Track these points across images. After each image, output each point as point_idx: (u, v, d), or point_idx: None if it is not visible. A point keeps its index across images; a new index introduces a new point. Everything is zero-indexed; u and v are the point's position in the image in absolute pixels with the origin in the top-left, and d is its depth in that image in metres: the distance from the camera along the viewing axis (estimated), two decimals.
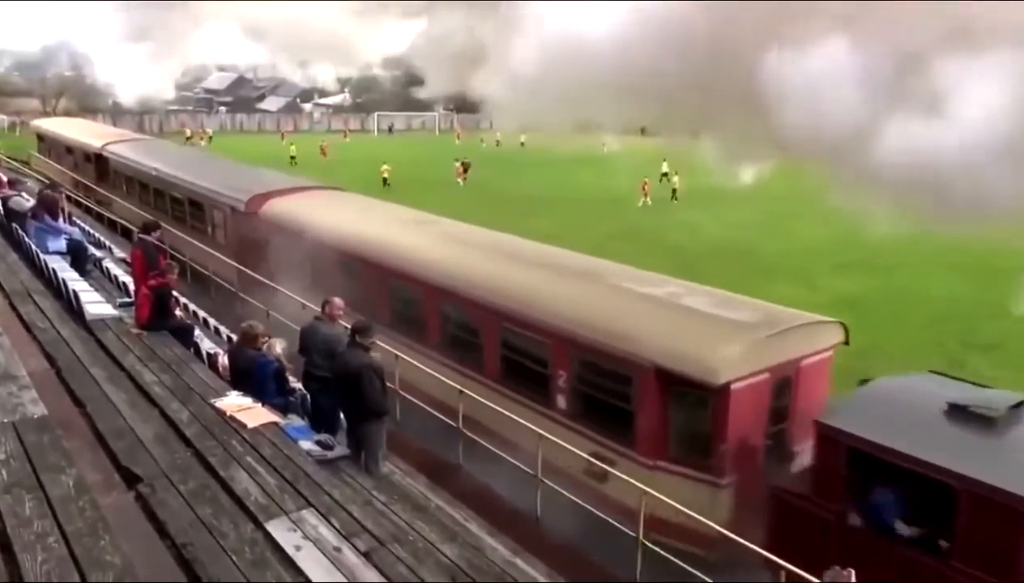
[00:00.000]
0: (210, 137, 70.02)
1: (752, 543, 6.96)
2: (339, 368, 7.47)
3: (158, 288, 9.29)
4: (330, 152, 58.27)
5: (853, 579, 5.19)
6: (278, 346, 8.45)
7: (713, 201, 38.04)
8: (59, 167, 31.58)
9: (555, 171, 51.49)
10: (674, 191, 39.48)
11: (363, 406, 7.35)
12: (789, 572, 6.35)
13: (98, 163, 27.61)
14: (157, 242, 10.67)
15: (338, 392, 7.67)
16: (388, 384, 8.17)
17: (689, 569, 7.38)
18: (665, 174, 44.25)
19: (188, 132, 71.96)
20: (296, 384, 8.70)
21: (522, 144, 66.79)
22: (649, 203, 38.67)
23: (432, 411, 10.46)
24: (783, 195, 42.44)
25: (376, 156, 51.20)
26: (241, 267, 16.03)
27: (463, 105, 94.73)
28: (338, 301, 8.74)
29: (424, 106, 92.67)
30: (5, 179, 17.91)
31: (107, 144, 27.55)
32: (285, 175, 22.74)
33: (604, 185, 42.83)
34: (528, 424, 9.14)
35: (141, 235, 10.69)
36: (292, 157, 51.28)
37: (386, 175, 43.09)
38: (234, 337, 10.47)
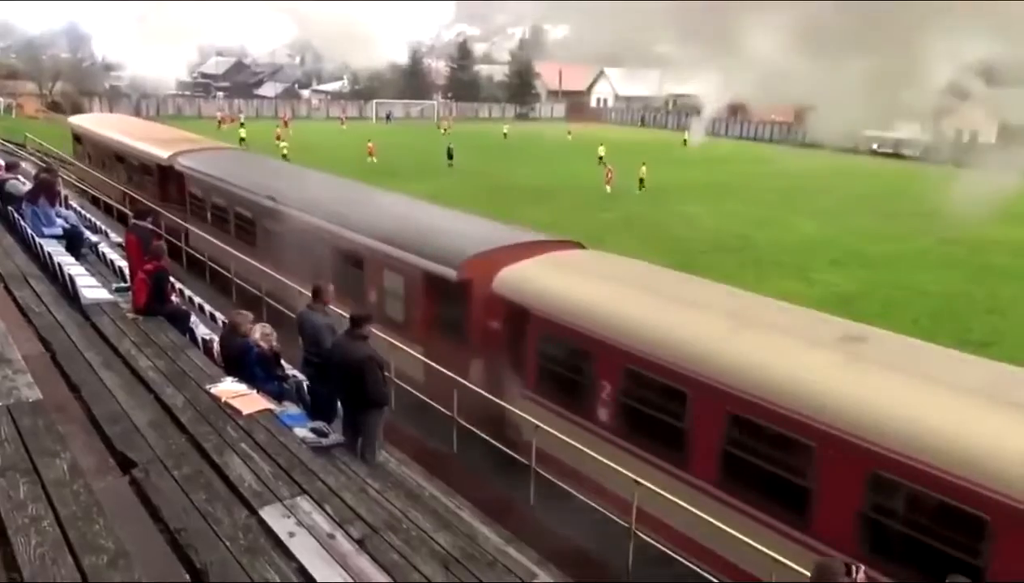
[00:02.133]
0: (241, 124, 65.98)
1: None
2: (341, 358, 7.46)
3: (154, 272, 9.27)
4: (303, 139, 57.98)
5: (862, 577, 5.15)
6: (257, 331, 8.45)
7: (681, 193, 38.44)
8: (105, 178, 24.65)
9: (536, 159, 51.88)
10: (641, 181, 40.08)
11: (365, 396, 7.37)
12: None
13: (164, 178, 21.00)
14: (152, 227, 10.66)
15: (338, 381, 7.68)
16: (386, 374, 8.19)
17: (680, 558, 7.42)
18: (601, 158, 48.04)
19: (219, 116, 69.80)
20: (292, 371, 8.71)
21: (505, 135, 66.51)
22: (609, 190, 39.14)
23: None
24: (774, 189, 42.68)
25: (342, 142, 50.95)
26: (442, 370, 10.27)
27: (462, 93, 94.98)
28: (330, 287, 8.79)
29: (423, 94, 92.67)
30: (2, 162, 17.84)
31: (177, 154, 20.81)
32: (496, 222, 14.63)
33: (588, 173, 42.91)
34: None
35: (135, 220, 10.66)
36: (242, 139, 50.73)
37: (285, 151, 45.26)
38: None
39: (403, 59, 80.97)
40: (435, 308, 11.76)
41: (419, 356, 10.99)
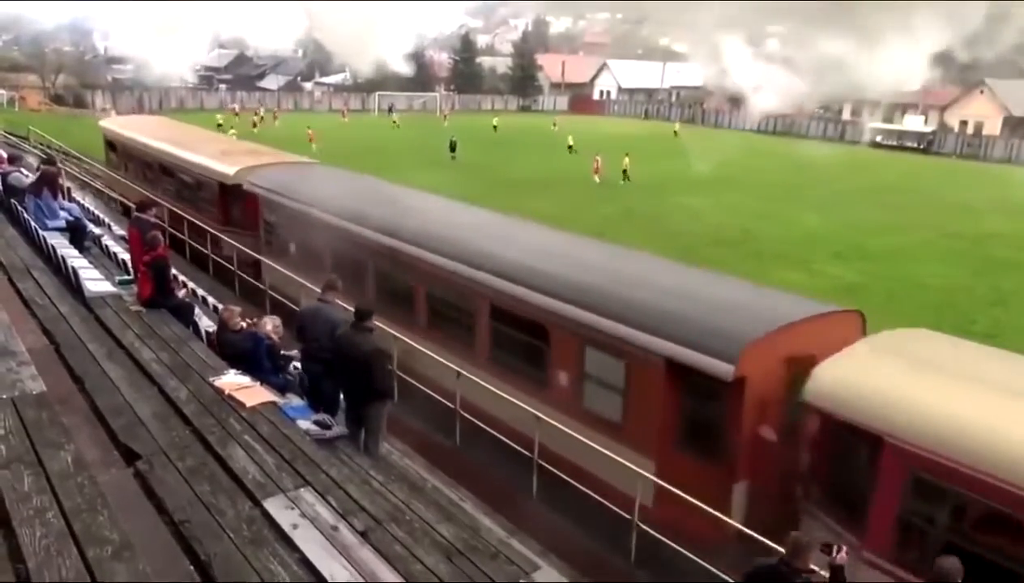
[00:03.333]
0: (261, 118, 64.82)
1: None
2: (348, 351, 7.46)
3: (153, 262, 9.30)
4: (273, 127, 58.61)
5: (843, 556, 5.32)
6: (268, 323, 8.48)
7: (681, 186, 38.42)
8: (149, 194, 17.92)
9: (527, 150, 51.87)
10: (624, 172, 40.49)
11: (371, 388, 7.39)
12: None
13: (227, 199, 17.52)
14: (154, 219, 10.65)
15: (343, 374, 7.70)
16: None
17: (682, 550, 7.44)
18: (570, 147, 51.12)
19: (236, 109, 68.31)
20: (295, 364, 8.73)
21: (495, 128, 65.33)
22: (597, 181, 39.82)
23: None
24: (776, 182, 42.60)
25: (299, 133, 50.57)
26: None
27: (464, 86, 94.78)
28: (339, 283, 8.77)
29: (426, 86, 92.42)
30: (4, 155, 17.84)
31: (246, 170, 17.14)
32: (741, 281, 11.08)
33: (577, 165, 42.96)
34: None
35: (137, 214, 10.66)
36: (219, 124, 51.41)
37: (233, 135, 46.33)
38: None
39: (407, 71, 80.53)
40: (678, 409, 8.47)
41: (647, 474, 8.09)
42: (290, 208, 14.97)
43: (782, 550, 5.44)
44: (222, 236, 16.66)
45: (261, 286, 14.76)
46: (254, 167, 17.36)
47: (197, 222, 17.40)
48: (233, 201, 17.36)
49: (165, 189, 20.55)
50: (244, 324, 8.54)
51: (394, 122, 68.19)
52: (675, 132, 68.54)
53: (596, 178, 40.11)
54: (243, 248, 15.80)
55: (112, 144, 25.16)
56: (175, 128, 27.35)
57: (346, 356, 7.48)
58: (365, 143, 50.56)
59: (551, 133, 65.19)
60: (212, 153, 19.49)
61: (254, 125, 56.80)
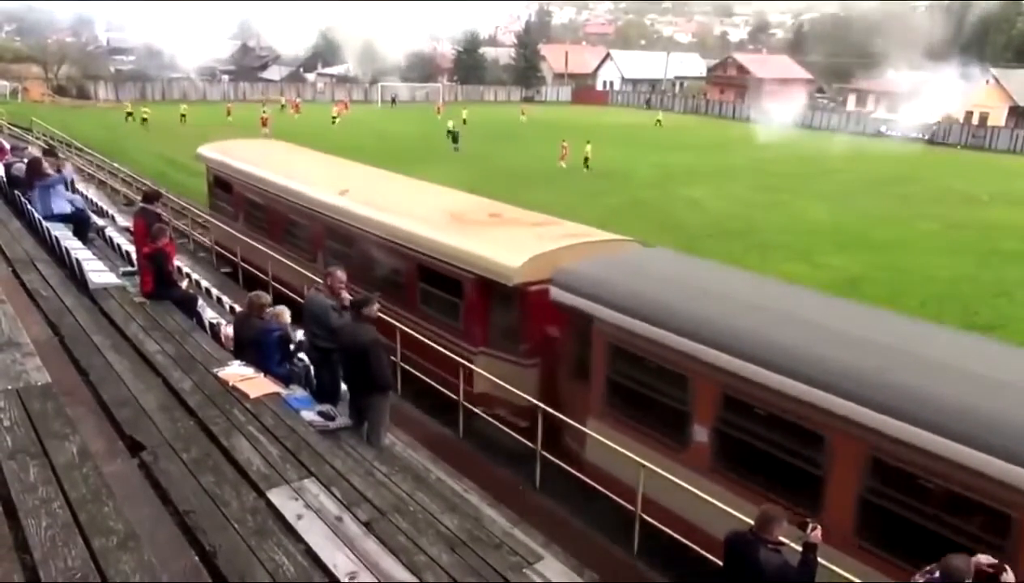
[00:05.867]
0: (297, 105, 65.32)
1: None
2: (346, 342, 7.47)
3: (151, 255, 9.31)
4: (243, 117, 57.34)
5: (817, 535, 5.38)
6: (287, 315, 8.48)
7: (685, 178, 38.17)
8: (298, 267, 13.58)
9: (510, 140, 51.91)
10: (586, 159, 40.96)
11: (369, 380, 7.39)
12: None
13: (491, 305, 10.79)
14: (159, 211, 10.66)
15: (343, 365, 7.71)
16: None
17: (684, 541, 7.45)
18: (450, 131, 49.25)
19: (284, 101, 67.94)
20: (302, 354, 8.73)
21: (464, 121, 63.39)
22: (564, 165, 40.79)
23: None
24: (779, 173, 42.44)
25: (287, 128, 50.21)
26: None
27: (467, 76, 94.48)
28: (340, 274, 8.73)
29: (429, 77, 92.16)
30: (7, 146, 17.84)
31: (542, 261, 10.08)
32: None
33: (574, 156, 43.01)
34: None
35: (142, 204, 10.67)
36: (143, 120, 51.23)
37: (145, 116, 49.99)
38: (238, 308, 10.51)
39: (410, 76, 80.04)
40: None
41: None
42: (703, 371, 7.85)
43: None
44: (477, 370, 10.22)
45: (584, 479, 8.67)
46: (554, 253, 10.27)
47: (423, 337, 10.68)
48: (505, 310, 10.67)
49: (325, 258, 13.63)
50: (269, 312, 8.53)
51: (333, 118, 60.19)
52: (658, 121, 68.55)
53: (562, 164, 41.14)
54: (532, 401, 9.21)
55: (224, 183, 17.46)
56: (335, 166, 18.66)
57: (345, 347, 7.49)
58: (364, 138, 50.45)
59: (522, 123, 65.29)
60: (442, 221, 12.16)
61: (228, 112, 55.00)
